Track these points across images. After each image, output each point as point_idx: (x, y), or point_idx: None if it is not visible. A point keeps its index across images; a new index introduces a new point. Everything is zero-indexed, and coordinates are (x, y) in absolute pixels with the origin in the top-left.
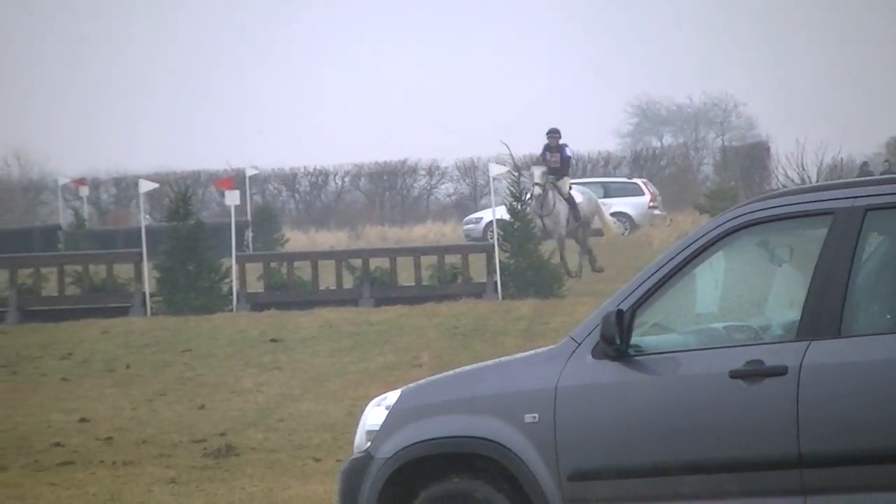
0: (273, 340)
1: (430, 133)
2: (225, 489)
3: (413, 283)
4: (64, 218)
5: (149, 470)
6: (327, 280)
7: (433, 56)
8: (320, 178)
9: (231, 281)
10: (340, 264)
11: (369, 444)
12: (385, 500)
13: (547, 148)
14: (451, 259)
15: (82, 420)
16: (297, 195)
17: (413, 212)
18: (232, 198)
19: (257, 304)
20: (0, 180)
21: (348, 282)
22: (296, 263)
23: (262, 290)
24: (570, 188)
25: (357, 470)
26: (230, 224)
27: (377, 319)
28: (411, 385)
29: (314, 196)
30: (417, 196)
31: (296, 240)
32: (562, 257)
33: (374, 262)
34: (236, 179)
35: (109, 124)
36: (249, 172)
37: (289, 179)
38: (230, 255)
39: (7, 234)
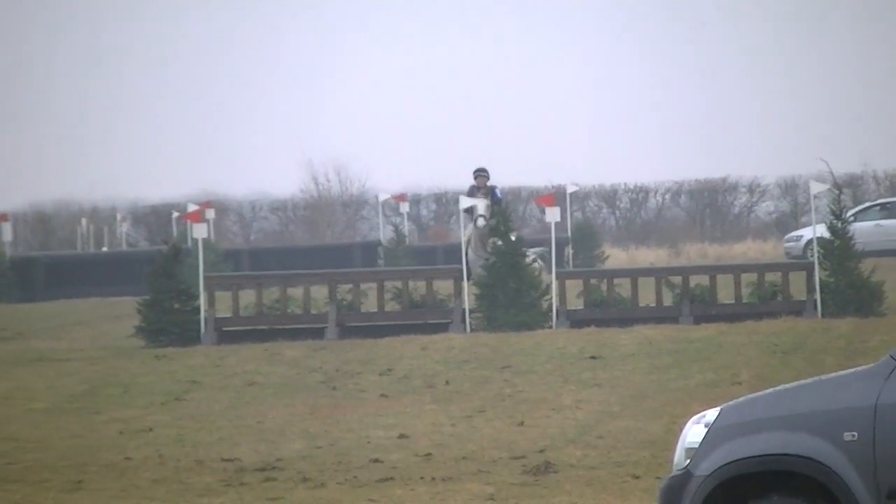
0: (592, 357)
1: (751, 150)
2: None
3: (733, 301)
4: (384, 233)
5: (468, 486)
6: (647, 297)
7: (755, 71)
8: (640, 194)
9: (551, 298)
10: (660, 281)
11: (688, 461)
12: None
13: (474, 189)
14: (771, 277)
15: (401, 436)
16: (617, 212)
17: (733, 229)
18: (552, 214)
19: (577, 320)
20: (321, 196)
21: (668, 299)
22: (615, 280)
23: (581, 307)
24: None
25: (676, 487)
26: (551, 240)
27: (696, 337)
28: (730, 402)
29: (634, 213)
30: (738, 213)
31: (616, 256)
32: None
33: (694, 280)
34: (557, 196)
35: (430, 140)
36: (570, 189)
37: (609, 196)
38: (550, 272)
39: (327, 249)
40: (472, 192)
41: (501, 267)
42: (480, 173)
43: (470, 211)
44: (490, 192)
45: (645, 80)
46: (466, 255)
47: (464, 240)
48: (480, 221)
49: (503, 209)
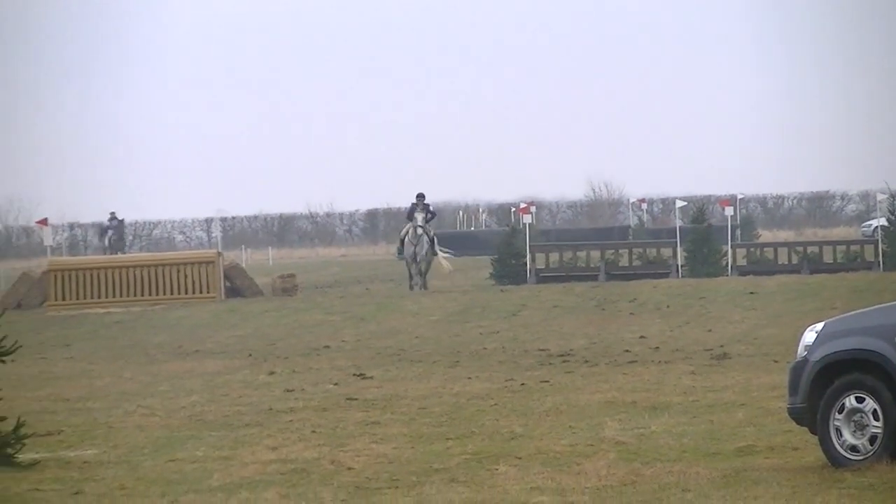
0: None
1: None
2: None
3: None
4: (631, 222)
5: None
6: None
7: None
8: None
9: None
10: None
11: (805, 352)
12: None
13: (415, 206)
14: None
15: None
16: None
17: None
18: None
19: None
20: (589, 201)
21: None
22: None
23: None
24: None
25: (798, 367)
26: None
27: None
28: (831, 318)
29: None
30: None
31: None
32: (419, 273)
33: None
34: None
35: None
36: None
37: None
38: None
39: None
40: (413, 208)
41: None
42: (420, 198)
43: (411, 218)
44: (425, 209)
45: None
46: (402, 241)
47: (402, 232)
48: (419, 224)
49: (434, 218)
